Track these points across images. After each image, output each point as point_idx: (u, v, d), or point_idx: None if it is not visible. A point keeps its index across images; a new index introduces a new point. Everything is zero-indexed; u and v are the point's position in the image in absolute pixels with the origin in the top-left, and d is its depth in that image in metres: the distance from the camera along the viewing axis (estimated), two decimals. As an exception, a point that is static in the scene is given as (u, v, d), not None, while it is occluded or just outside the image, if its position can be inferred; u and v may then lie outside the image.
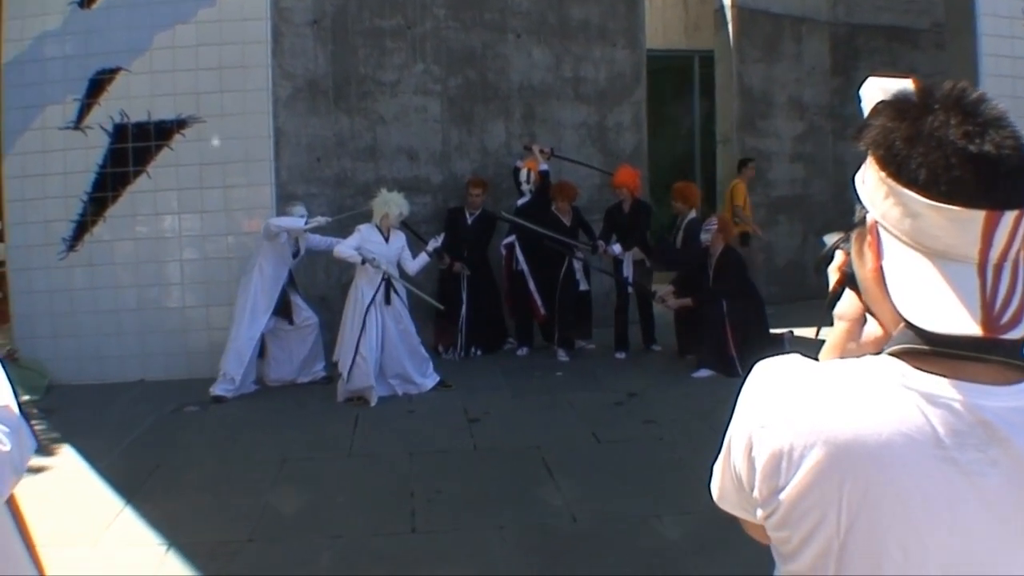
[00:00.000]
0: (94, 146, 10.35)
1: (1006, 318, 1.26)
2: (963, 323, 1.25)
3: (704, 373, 10.12)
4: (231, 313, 9.81)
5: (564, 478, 6.91)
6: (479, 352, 11.51)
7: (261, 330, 9.71)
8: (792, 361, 1.42)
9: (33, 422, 8.85)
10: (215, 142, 10.34)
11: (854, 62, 15.63)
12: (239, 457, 7.65)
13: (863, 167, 1.41)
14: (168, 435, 8.36)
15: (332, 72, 11.37)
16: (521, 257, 11.47)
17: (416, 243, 10.21)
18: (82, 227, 10.38)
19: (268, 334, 9.87)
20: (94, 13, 10.37)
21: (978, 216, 1.25)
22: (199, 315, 10.46)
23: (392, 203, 9.60)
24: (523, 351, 11.63)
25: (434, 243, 10.18)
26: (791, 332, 10.11)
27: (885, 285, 1.35)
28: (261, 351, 9.90)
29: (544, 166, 11.64)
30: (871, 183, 1.37)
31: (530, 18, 12.82)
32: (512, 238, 11.57)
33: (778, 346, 9.44)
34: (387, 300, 9.49)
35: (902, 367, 1.30)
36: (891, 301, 1.34)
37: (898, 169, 1.31)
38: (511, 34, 12.68)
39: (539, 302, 11.38)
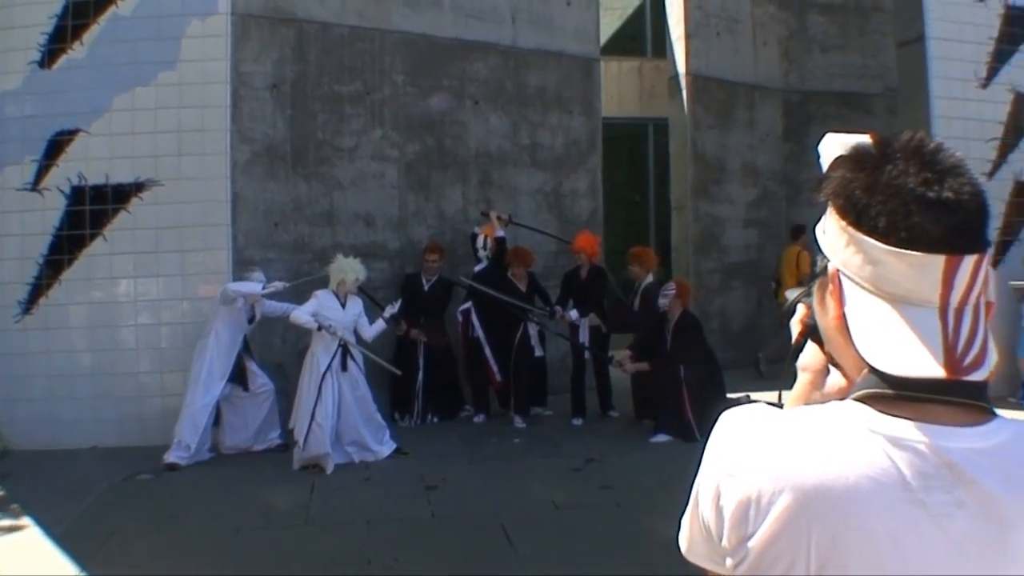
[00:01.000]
0: (51, 208, 10.29)
1: (968, 360, 1.28)
2: (926, 366, 1.27)
3: (661, 438, 10.14)
4: (186, 379, 9.71)
5: (523, 546, 6.88)
6: (436, 419, 11.45)
7: (216, 397, 9.62)
8: (758, 409, 1.42)
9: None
10: (172, 206, 10.31)
11: (807, 128, 15.87)
12: (194, 526, 7.56)
13: (823, 218, 1.42)
14: (123, 502, 8.25)
15: (291, 137, 11.36)
16: (477, 323, 11.48)
17: (373, 309, 10.20)
18: (38, 290, 10.29)
19: (223, 401, 9.78)
20: (54, 74, 10.36)
21: (938, 261, 1.27)
22: (154, 381, 10.34)
23: (349, 269, 9.60)
24: (480, 418, 11.59)
25: (391, 309, 10.19)
26: (747, 396, 10.14)
27: (848, 332, 1.36)
28: (216, 418, 9.79)
29: (501, 232, 11.70)
30: (832, 233, 1.39)
31: (488, 85, 12.93)
32: (468, 304, 11.59)
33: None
34: (344, 366, 9.46)
35: (867, 412, 1.31)
36: (854, 347, 1.35)
37: (858, 217, 1.33)
38: (469, 101, 12.78)
39: (495, 368, 11.40)
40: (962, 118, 11.97)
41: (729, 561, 1.38)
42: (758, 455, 1.34)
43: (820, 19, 16.43)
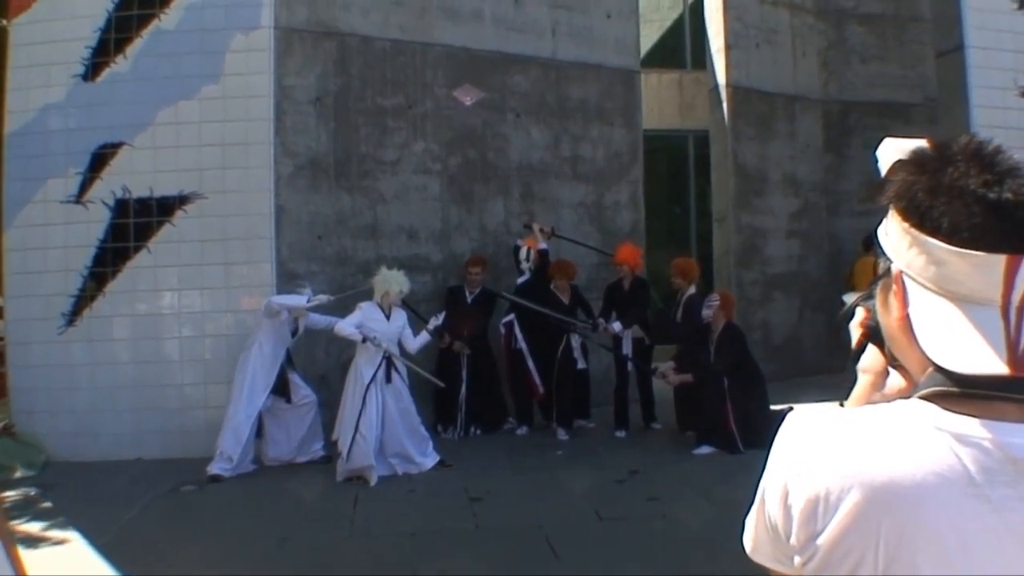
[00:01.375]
0: (95, 220, 10.39)
1: None
2: (990, 363, 1.28)
3: (705, 450, 10.09)
4: (229, 391, 9.75)
5: (568, 556, 6.85)
6: (478, 431, 11.45)
7: (259, 408, 9.66)
8: (824, 410, 1.43)
9: (31, 494, 8.82)
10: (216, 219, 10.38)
11: (847, 139, 15.83)
12: (237, 537, 7.58)
13: (885, 220, 1.45)
14: (166, 514, 8.28)
15: (334, 150, 11.40)
16: (520, 336, 11.47)
17: (416, 322, 10.21)
18: (82, 302, 10.39)
19: (266, 413, 9.82)
20: (98, 87, 10.48)
21: (999, 260, 1.29)
22: (197, 393, 10.39)
23: (393, 281, 9.61)
24: (523, 430, 11.59)
25: (435, 322, 10.17)
26: (791, 408, 10.08)
27: (912, 332, 1.38)
28: (259, 430, 9.83)
29: (544, 244, 11.70)
30: (895, 235, 1.41)
31: (529, 98, 12.95)
32: (511, 316, 11.59)
33: (779, 423, 9.42)
34: (388, 378, 9.46)
35: (933, 409, 1.33)
36: (919, 347, 1.36)
37: (921, 219, 1.35)
38: (510, 114, 12.80)
39: (537, 380, 11.38)
40: (1002, 127, 11.83)
41: (797, 559, 1.39)
42: (826, 453, 1.35)
43: (859, 29, 16.33)
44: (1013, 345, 1.29)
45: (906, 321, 1.39)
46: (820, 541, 1.33)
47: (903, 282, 1.41)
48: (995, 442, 1.28)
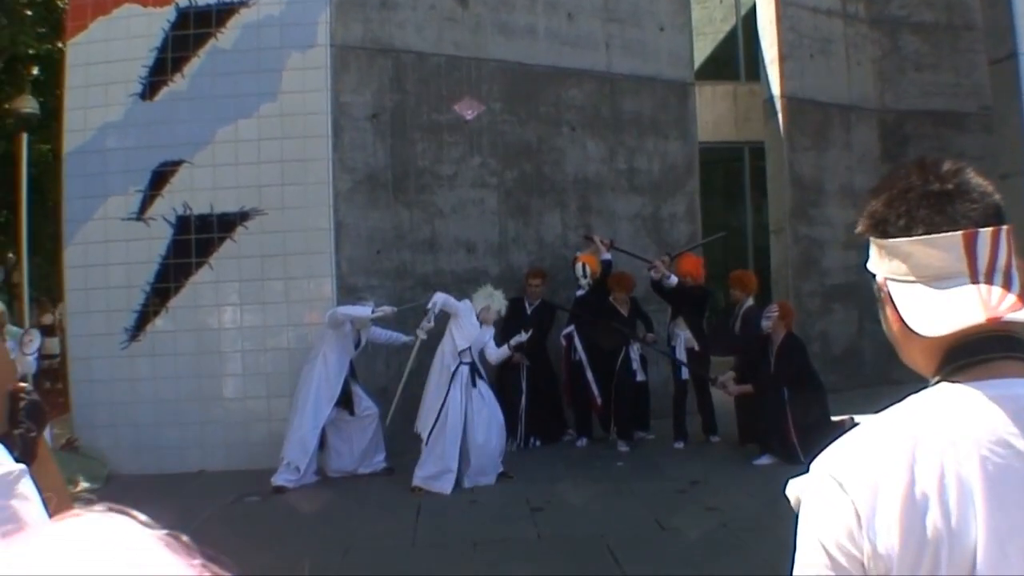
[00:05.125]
0: (156, 237, 10.54)
1: (1004, 307, 1.40)
2: (968, 316, 1.40)
3: (765, 460, 10.04)
4: (292, 403, 9.83)
5: (630, 565, 6.83)
6: (537, 442, 11.46)
7: (325, 419, 9.71)
8: (819, 473, 1.48)
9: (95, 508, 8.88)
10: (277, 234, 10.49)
11: (904, 148, 15.71)
12: (302, 547, 7.60)
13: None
14: (229, 525, 8.30)
15: (391, 165, 11.46)
16: (580, 347, 11.48)
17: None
18: (144, 317, 10.53)
19: (328, 425, 9.85)
20: (156, 106, 10.64)
21: (956, 237, 1.44)
22: (260, 406, 10.49)
23: (496, 299, 9.84)
24: (582, 442, 11.58)
25: (519, 338, 10.25)
26: (852, 419, 10.00)
27: (909, 331, 1.48)
28: (321, 442, 9.87)
29: (607, 255, 11.74)
30: (872, 254, 1.58)
31: (584, 112, 12.97)
32: (571, 328, 11.59)
33: (840, 433, 9.36)
34: (473, 382, 9.63)
35: (945, 386, 1.45)
36: (915, 336, 1.47)
37: (884, 229, 1.53)
38: (565, 127, 12.82)
39: (596, 392, 11.35)
40: (1058, 133, 11.73)
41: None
42: (867, 465, 1.41)
43: (912, 38, 16.24)
44: (986, 300, 1.41)
45: (902, 323, 1.50)
46: (883, 551, 1.35)
47: (888, 289, 1.54)
48: (1007, 396, 1.39)
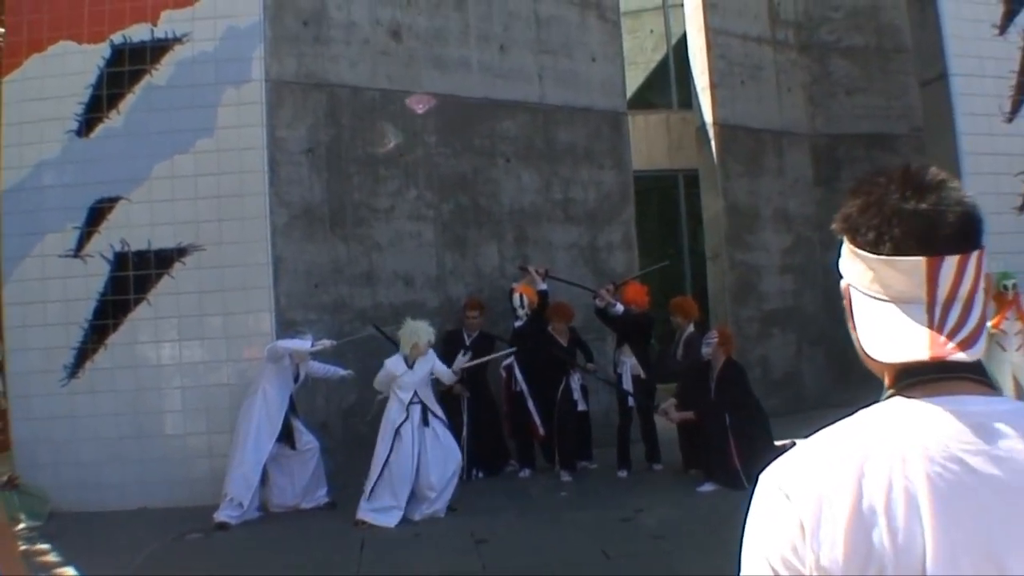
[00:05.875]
0: (94, 274, 10.45)
1: (953, 344, 1.42)
2: (913, 351, 1.43)
3: (709, 487, 10.08)
4: (233, 439, 9.76)
5: (578, 595, 6.87)
6: (480, 474, 11.41)
7: (267, 454, 9.64)
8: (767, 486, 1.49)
9: (37, 547, 8.78)
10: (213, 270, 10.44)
11: (837, 172, 15.90)
12: (246, 585, 7.59)
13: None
14: (173, 562, 8.27)
15: (328, 199, 11.45)
16: (520, 377, 11.50)
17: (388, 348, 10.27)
18: (83, 354, 10.41)
19: (270, 460, 9.76)
20: (92, 142, 10.56)
21: (920, 263, 1.45)
22: (200, 442, 10.39)
23: (422, 332, 9.74)
24: (525, 472, 11.55)
25: (461, 363, 10.49)
26: (793, 442, 10.06)
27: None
28: (263, 477, 9.81)
29: (543, 285, 11.78)
30: (843, 255, 1.59)
31: (518, 143, 13.04)
32: (511, 360, 11.60)
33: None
34: (424, 421, 9.57)
35: (898, 400, 1.47)
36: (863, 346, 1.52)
37: (854, 236, 1.54)
38: (500, 159, 12.88)
39: (538, 421, 11.37)
40: (990, 153, 11.93)
41: None
42: (816, 473, 1.43)
43: (842, 62, 16.44)
44: (935, 336, 1.42)
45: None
46: (826, 563, 1.37)
47: (850, 295, 1.58)
48: (959, 412, 1.41)
